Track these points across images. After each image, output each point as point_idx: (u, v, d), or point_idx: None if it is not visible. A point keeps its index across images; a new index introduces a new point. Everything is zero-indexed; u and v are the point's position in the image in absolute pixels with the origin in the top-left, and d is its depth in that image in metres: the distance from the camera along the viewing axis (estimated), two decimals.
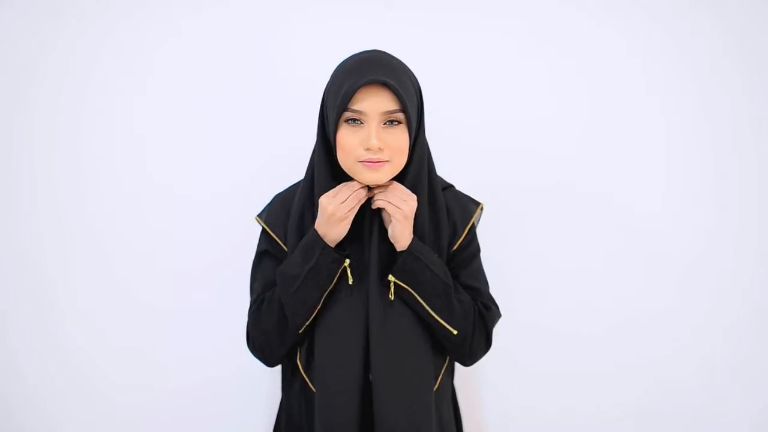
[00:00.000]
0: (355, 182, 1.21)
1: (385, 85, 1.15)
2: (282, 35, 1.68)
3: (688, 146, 1.71)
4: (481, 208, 1.36)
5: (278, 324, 1.26)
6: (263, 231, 1.34)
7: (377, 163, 1.17)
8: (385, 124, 1.17)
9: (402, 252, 1.22)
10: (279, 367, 1.39)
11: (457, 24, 1.69)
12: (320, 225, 1.22)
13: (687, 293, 1.74)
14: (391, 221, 1.22)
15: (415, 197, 1.22)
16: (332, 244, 1.22)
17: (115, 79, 1.67)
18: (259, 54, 1.67)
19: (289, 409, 1.35)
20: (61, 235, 1.70)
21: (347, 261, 1.22)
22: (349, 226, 1.21)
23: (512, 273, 1.69)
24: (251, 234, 1.37)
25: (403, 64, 1.23)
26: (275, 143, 1.67)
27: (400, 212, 1.20)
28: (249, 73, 1.68)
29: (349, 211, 1.20)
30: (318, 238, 1.21)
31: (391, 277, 1.22)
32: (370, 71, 1.16)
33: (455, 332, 1.25)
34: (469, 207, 1.35)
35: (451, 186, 1.38)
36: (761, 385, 1.75)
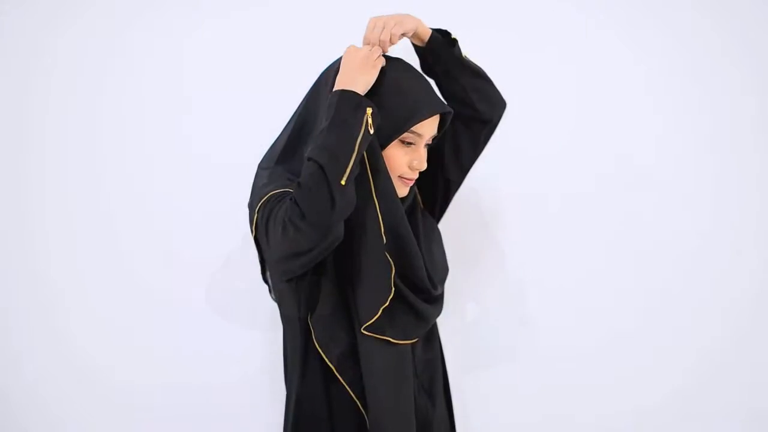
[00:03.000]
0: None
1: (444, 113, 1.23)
2: (288, 32, 1.68)
3: (687, 144, 1.72)
4: None
5: (320, 179, 1.10)
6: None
7: (412, 180, 1.24)
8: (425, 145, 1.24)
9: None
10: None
11: (454, 22, 1.68)
12: (345, 74, 1.17)
13: (686, 298, 1.75)
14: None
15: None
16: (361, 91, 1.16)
17: (122, 80, 1.67)
18: (264, 54, 1.68)
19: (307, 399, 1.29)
20: (65, 233, 1.70)
21: (369, 110, 1.14)
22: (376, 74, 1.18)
23: (515, 275, 1.70)
24: None
25: None
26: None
27: (392, 24, 1.21)
28: (252, 72, 1.68)
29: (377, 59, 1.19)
30: (337, 90, 1.15)
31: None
32: (436, 99, 1.23)
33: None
34: None
35: None
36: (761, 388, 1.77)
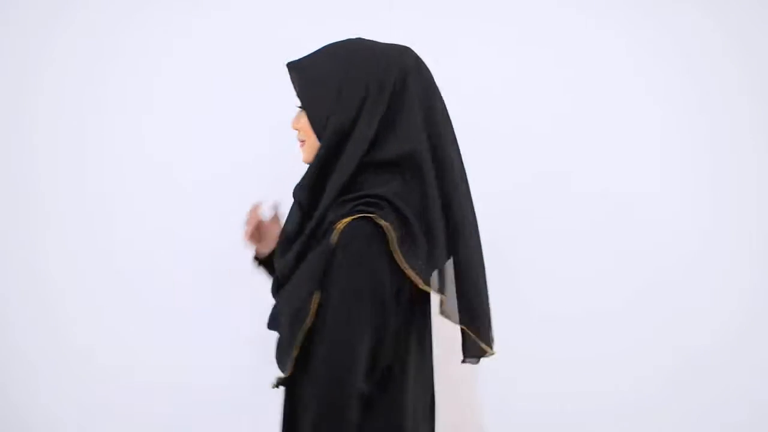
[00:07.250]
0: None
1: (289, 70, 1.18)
2: (286, 30, 1.69)
3: (685, 145, 1.74)
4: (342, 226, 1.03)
5: None
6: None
7: (300, 143, 1.20)
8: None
9: None
10: None
11: (457, 23, 1.70)
12: None
13: (685, 288, 1.76)
14: None
15: None
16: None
17: (118, 77, 1.68)
18: (260, 50, 1.67)
19: None
20: (65, 232, 1.70)
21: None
22: (261, 245, 1.36)
23: (515, 265, 1.70)
24: None
25: (345, 56, 1.14)
26: (278, 147, 1.66)
27: None
28: (250, 70, 1.68)
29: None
30: None
31: None
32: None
33: None
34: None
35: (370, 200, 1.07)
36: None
